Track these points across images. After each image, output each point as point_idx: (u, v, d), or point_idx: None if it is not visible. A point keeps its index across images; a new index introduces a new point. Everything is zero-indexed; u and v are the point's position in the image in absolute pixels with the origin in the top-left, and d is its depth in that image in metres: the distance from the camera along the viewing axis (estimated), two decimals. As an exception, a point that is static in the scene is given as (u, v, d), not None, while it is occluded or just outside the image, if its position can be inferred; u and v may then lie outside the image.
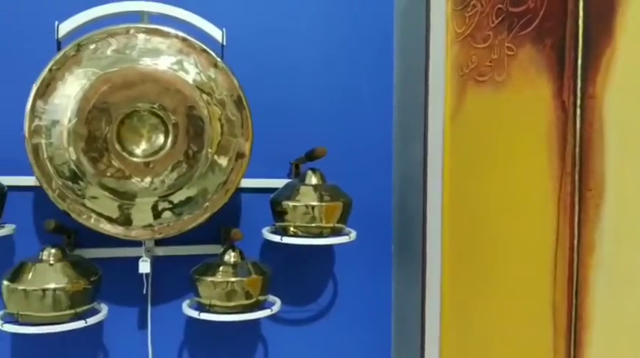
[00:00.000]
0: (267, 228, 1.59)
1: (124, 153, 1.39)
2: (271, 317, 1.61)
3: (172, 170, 1.41)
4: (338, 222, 1.52)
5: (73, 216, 1.39)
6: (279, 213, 1.53)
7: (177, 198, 1.44)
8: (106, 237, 1.42)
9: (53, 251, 1.37)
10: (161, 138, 1.41)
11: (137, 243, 1.51)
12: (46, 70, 1.34)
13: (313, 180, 1.54)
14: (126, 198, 1.40)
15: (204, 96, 1.42)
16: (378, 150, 1.77)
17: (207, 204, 1.46)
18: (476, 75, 1.27)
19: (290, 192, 1.52)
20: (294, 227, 1.50)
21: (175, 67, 1.41)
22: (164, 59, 1.40)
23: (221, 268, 1.45)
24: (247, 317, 1.46)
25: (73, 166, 1.36)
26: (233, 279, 1.43)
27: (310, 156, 1.55)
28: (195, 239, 1.57)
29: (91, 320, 1.37)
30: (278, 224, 1.55)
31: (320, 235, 1.51)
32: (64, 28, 1.38)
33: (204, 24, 1.46)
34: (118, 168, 1.39)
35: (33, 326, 1.33)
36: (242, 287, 1.44)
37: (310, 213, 1.49)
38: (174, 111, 1.40)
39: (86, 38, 1.37)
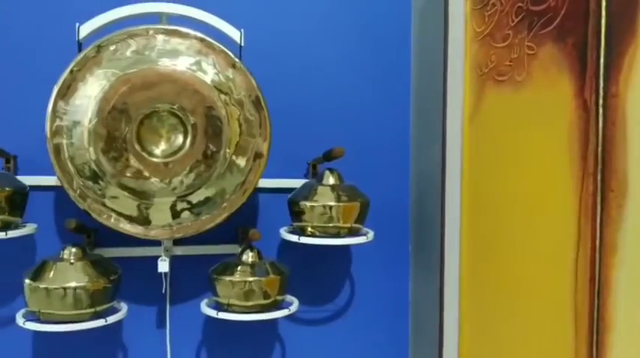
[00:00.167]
0: (285, 227, 1.59)
1: (144, 154, 1.40)
2: (289, 317, 1.62)
3: (191, 170, 1.42)
4: (355, 222, 1.52)
5: (94, 215, 1.40)
6: (296, 213, 1.53)
7: (195, 198, 1.45)
8: (125, 236, 1.44)
9: (74, 250, 1.39)
10: (180, 139, 1.42)
11: (156, 243, 1.52)
12: (67, 71, 1.36)
13: (331, 180, 1.54)
14: (145, 197, 1.42)
15: (223, 96, 1.43)
16: (396, 151, 1.77)
17: (225, 204, 1.46)
18: (495, 74, 1.26)
19: (307, 192, 1.53)
20: (312, 227, 1.50)
21: (194, 67, 1.42)
22: (183, 60, 1.41)
23: (239, 268, 1.46)
24: (265, 316, 1.46)
25: (93, 166, 1.38)
26: (251, 279, 1.44)
27: (328, 156, 1.55)
28: (213, 239, 1.58)
29: (111, 319, 1.39)
30: (295, 224, 1.55)
31: (337, 235, 1.51)
32: (85, 29, 1.39)
33: (223, 25, 1.47)
34: (137, 168, 1.40)
35: (54, 325, 1.34)
36: (260, 286, 1.44)
37: (328, 213, 1.49)
38: (193, 111, 1.41)
39: (106, 39, 1.39)
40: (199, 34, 1.42)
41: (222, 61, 1.43)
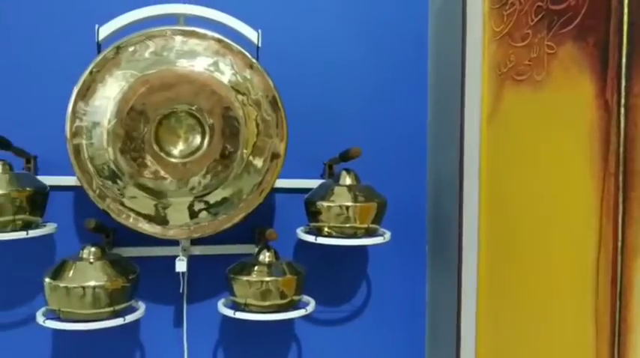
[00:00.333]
0: (302, 228, 1.59)
1: (162, 154, 1.41)
2: (305, 317, 1.62)
3: (208, 170, 1.43)
4: (372, 223, 1.51)
5: (113, 215, 1.42)
6: (313, 214, 1.53)
7: (213, 198, 1.45)
8: (143, 236, 1.45)
9: (93, 249, 1.40)
10: (198, 139, 1.43)
11: (173, 243, 1.53)
12: (87, 72, 1.38)
13: (347, 180, 1.54)
14: (163, 197, 1.43)
15: (240, 96, 1.43)
16: (413, 151, 1.76)
17: (242, 204, 1.47)
18: (514, 74, 1.25)
19: (324, 192, 1.53)
20: (329, 227, 1.50)
21: (211, 68, 1.42)
22: (200, 60, 1.42)
23: (256, 268, 1.46)
24: (282, 316, 1.46)
25: (112, 166, 1.39)
26: (268, 279, 1.44)
27: (345, 156, 1.55)
28: (230, 238, 1.59)
29: (129, 318, 1.40)
30: (312, 224, 1.55)
31: (354, 236, 1.50)
32: (104, 31, 1.40)
33: (240, 25, 1.47)
34: (155, 168, 1.41)
35: (73, 323, 1.36)
36: (277, 286, 1.44)
37: (344, 213, 1.49)
38: (211, 112, 1.42)
39: (125, 41, 1.40)
40: (217, 35, 1.43)
41: (239, 61, 1.44)
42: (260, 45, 1.47)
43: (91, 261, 1.39)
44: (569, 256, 1.07)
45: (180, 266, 1.48)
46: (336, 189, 1.52)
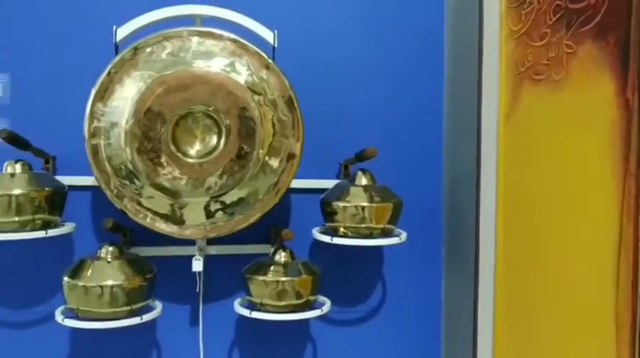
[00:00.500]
0: (317, 228, 1.59)
1: (179, 154, 1.42)
2: (320, 317, 1.62)
3: (224, 171, 1.43)
4: (388, 223, 1.51)
5: (130, 215, 1.43)
6: (329, 214, 1.53)
7: (229, 198, 1.46)
8: (159, 235, 1.46)
9: (111, 249, 1.42)
10: (214, 139, 1.44)
11: (190, 242, 1.54)
12: (105, 73, 1.39)
13: (363, 180, 1.54)
14: (179, 197, 1.43)
15: (256, 96, 1.44)
16: (429, 151, 1.75)
17: (258, 204, 1.47)
18: (532, 73, 1.24)
19: (340, 192, 1.52)
20: (344, 228, 1.50)
21: (228, 68, 1.43)
22: (217, 61, 1.43)
23: (272, 267, 1.47)
24: (298, 316, 1.46)
25: (129, 166, 1.40)
26: (284, 279, 1.44)
27: (360, 156, 1.55)
28: (246, 238, 1.59)
29: (147, 317, 1.41)
30: (328, 224, 1.55)
31: (370, 236, 1.50)
32: (122, 32, 1.42)
33: (256, 26, 1.47)
34: (172, 168, 1.41)
35: (91, 322, 1.37)
36: (293, 286, 1.44)
37: (360, 213, 1.48)
38: (227, 112, 1.42)
39: (142, 42, 1.41)
40: (233, 36, 1.44)
41: (255, 62, 1.44)
42: (276, 45, 1.47)
43: (109, 260, 1.40)
44: (588, 257, 1.06)
45: (197, 265, 1.49)
46: (352, 189, 1.52)
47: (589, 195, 1.06)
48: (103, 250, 1.41)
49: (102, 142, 1.39)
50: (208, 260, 1.58)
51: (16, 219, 1.34)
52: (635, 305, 0.94)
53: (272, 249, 1.54)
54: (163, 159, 1.41)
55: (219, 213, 1.46)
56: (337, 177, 1.67)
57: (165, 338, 1.65)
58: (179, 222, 1.45)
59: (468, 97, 1.59)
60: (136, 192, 1.42)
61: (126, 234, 1.53)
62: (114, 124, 1.39)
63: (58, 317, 1.39)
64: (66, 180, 1.49)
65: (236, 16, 1.47)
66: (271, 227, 1.60)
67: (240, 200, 1.47)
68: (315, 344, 1.73)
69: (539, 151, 1.23)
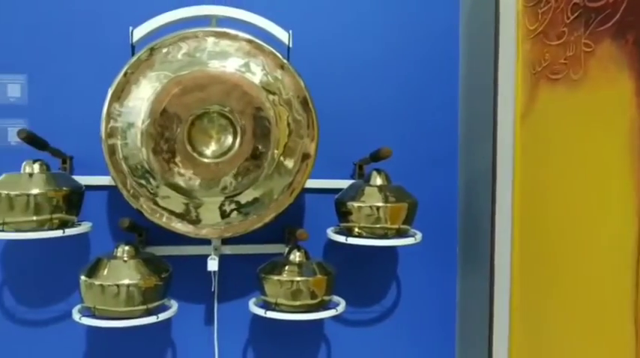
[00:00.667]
0: (332, 228, 1.59)
1: (194, 154, 1.42)
2: (335, 318, 1.62)
3: (240, 171, 1.44)
4: (403, 223, 1.50)
5: (146, 214, 1.43)
6: (343, 214, 1.53)
7: (244, 198, 1.46)
8: (174, 235, 1.46)
9: (127, 248, 1.43)
10: (230, 139, 1.44)
11: (204, 242, 1.54)
12: (121, 73, 1.40)
13: (378, 180, 1.53)
14: (195, 197, 1.44)
15: (271, 96, 1.44)
16: (444, 151, 1.75)
17: (272, 204, 1.47)
18: (549, 73, 1.23)
19: (355, 192, 1.52)
20: (359, 228, 1.50)
21: (243, 69, 1.43)
22: (232, 61, 1.43)
23: (287, 267, 1.47)
24: (313, 316, 1.46)
25: (146, 166, 1.41)
26: (298, 279, 1.45)
27: (375, 156, 1.54)
28: (260, 238, 1.60)
29: (162, 316, 1.41)
30: (342, 224, 1.55)
31: (385, 236, 1.49)
32: (138, 32, 1.43)
33: (271, 26, 1.48)
34: (187, 168, 1.42)
35: (108, 320, 1.38)
36: (307, 286, 1.45)
37: (375, 214, 1.48)
38: (242, 112, 1.43)
39: (158, 42, 1.42)
40: (248, 36, 1.44)
41: (270, 62, 1.45)
42: (291, 45, 1.48)
43: (125, 259, 1.41)
44: (607, 257, 1.05)
45: (212, 265, 1.49)
46: (367, 189, 1.51)
47: (607, 195, 1.05)
48: (120, 249, 1.43)
49: (119, 142, 1.40)
50: (223, 259, 1.59)
51: (34, 218, 1.36)
52: (654, 307, 0.93)
53: (286, 249, 1.54)
54: (179, 159, 1.42)
55: (234, 213, 1.47)
56: (352, 177, 1.67)
57: (180, 337, 1.66)
58: (195, 221, 1.45)
59: (483, 97, 1.58)
60: (152, 191, 1.42)
61: (141, 234, 1.54)
62: (130, 124, 1.40)
63: (75, 316, 1.40)
64: (83, 179, 1.51)
65: (251, 17, 1.48)
66: (286, 227, 1.60)
67: (255, 200, 1.47)
68: (330, 345, 1.73)
69: (556, 151, 1.21)
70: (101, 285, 1.36)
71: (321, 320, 1.69)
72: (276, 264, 1.49)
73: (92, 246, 1.59)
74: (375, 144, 1.57)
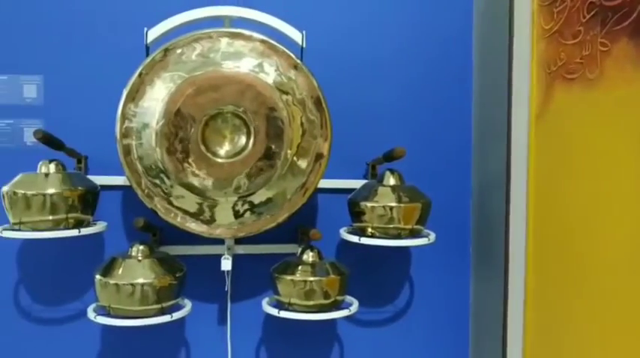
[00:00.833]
0: (345, 228, 1.59)
1: (208, 154, 1.43)
2: (347, 318, 1.62)
3: (253, 171, 1.44)
4: (416, 224, 1.50)
5: (160, 214, 1.44)
6: (356, 214, 1.53)
7: (257, 198, 1.47)
8: (187, 235, 1.47)
9: (141, 247, 1.44)
10: (243, 140, 1.45)
11: (218, 241, 1.55)
12: (136, 74, 1.40)
13: (391, 180, 1.53)
14: (209, 197, 1.44)
15: (284, 96, 1.44)
16: (457, 151, 1.74)
17: (286, 204, 1.48)
18: (564, 72, 1.22)
19: (368, 192, 1.52)
20: (372, 228, 1.49)
21: (256, 69, 1.44)
22: (246, 62, 1.44)
23: (300, 267, 1.47)
24: (326, 316, 1.46)
25: (160, 166, 1.42)
26: (312, 279, 1.45)
27: (389, 156, 1.54)
28: (273, 238, 1.60)
29: (177, 315, 1.42)
30: (355, 224, 1.55)
31: (398, 236, 1.49)
32: (153, 33, 1.43)
33: (285, 27, 1.48)
34: (201, 168, 1.43)
35: (123, 319, 1.39)
36: (321, 286, 1.45)
37: (388, 214, 1.47)
38: (256, 112, 1.43)
39: (173, 43, 1.42)
40: (262, 37, 1.44)
41: (284, 62, 1.45)
42: (304, 46, 1.48)
43: (140, 258, 1.42)
44: (623, 258, 1.04)
45: (226, 264, 1.50)
46: (380, 189, 1.51)
47: (623, 196, 1.04)
48: (134, 249, 1.44)
49: (133, 143, 1.41)
50: (236, 259, 1.59)
51: (50, 218, 1.37)
52: (672, 309, 0.92)
53: (299, 249, 1.54)
54: (193, 159, 1.42)
55: (248, 213, 1.47)
56: (364, 178, 1.67)
57: (193, 337, 1.67)
58: (209, 221, 1.46)
59: (497, 97, 1.57)
60: (166, 191, 1.43)
61: (155, 233, 1.55)
62: (145, 125, 1.41)
63: (91, 315, 1.41)
64: (98, 179, 1.52)
65: (265, 17, 1.48)
66: (299, 227, 1.61)
67: (268, 200, 1.48)
68: (342, 345, 1.73)
69: (571, 151, 1.21)
70: (116, 284, 1.37)
71: (333, 320, 1.70)
72: (290, 264, 1.49)
73: (107, 245, 1.61)
74: (387, 144, 1.56)
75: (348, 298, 1.55)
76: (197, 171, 1.43)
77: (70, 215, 1.39)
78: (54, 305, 1.60)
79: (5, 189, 1.38)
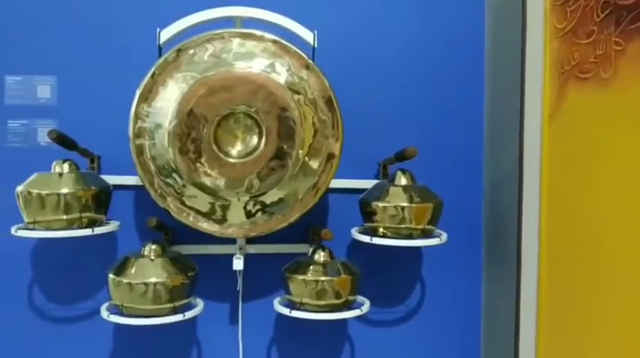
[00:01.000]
0: (356, 228, 1.59)
1: (220, 154, 1.43)
2: (358, 318, 1.62)
3: (265, 171, 1.45)
4: (428, 224, 1.49)
5: (173, 214, 1.45)
6: (368, 214, 1.52)
7: (269, 198, 1.47)
8: (199, 234, 1.48)
9: (154, 247, 1.44)
10: (255, 140, 1.45)
11: (229, 241, 1.56)
12: (149, 75, 1.41)
13: (403, 180, 1.52)
14: (221, 197, 1.45)
15: (296, 96, 1.44)
16: (469, 151, 1.74)
17: (297, 204, 1.48)
18: (578, 72, 1.22)
19: (379, 192, 1.52)
20: (384, 228, 1.49)
21: (268, 69, 1.44)
22: (258, 62, 1.44)
23: (311, 267, 1.47)
24: (338, 316, 1.47)
25: (173, 166, 1.42)
26: (323, 278, 1.45)
27: (400, 156, 1.54)
28: (285, 238, 1.60)
29: (189, 314, 1.43)
30: (367, 224, 1.54)
31: (410, 237, 1.49)
32: (165, 34, 1.44)
33: (296, 27, 1.48)
34: (213, 168, 1.43)
35: (136, 318, 1.40)
36: (332, 286, 1.45)
37: (400, 214, 1.47)
38: (268, 112, 1.43)
39: (185, 44, 1.43)
40: (273, 37, 1.45)
41: (296, 62, 1.45)
42: (316, 45, 1.48)
43: (152, 258, 1.43)
44: (636, 258, 1.04)
45: (238, 264, 1.50)
46: (392, 189, 1.51)
47: (636, 195, 1.03)
48: (147, 248, 1.44)
49: (146, 143, 1.42)
50: (248, 258, 1.60)
51: (64, 217, 1.38)
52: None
53: (311, 249, 1.54)
54: (205, 158, 1.43)
55: (259, 213, 1.48)
56: (376, 177, 1.67)
57: (205, 336, 1.68)
58: (221, 221, 1.46)
59: (510, 96, 1.57)
60: (179, 191, 1.44)
61: (167, 233, 1.56)
62: (158, 125, 1.41)
63: (104, 313, 1.43)
64: (111, 179, 1.53)
65: (276, 17, 1.48)
66: (310, 227, 1.61)
67: (280, 200, 1.48)
68: (353, 344, 1.73)
69: (584, 151, 1.20)
70: (129, 283, 1.38)
71: (345, 320, 1.70)
72: (301, 264, 1.50)
73: (120, 244, 1.62)
74: (399, 144, 1.56)
75: (360, 298, 1.55)
76: (209, 171, 1.43)
77: (83, 214, 1.40)
78: (67, 303, 1.62)
79: (20, 188, 1.39)
